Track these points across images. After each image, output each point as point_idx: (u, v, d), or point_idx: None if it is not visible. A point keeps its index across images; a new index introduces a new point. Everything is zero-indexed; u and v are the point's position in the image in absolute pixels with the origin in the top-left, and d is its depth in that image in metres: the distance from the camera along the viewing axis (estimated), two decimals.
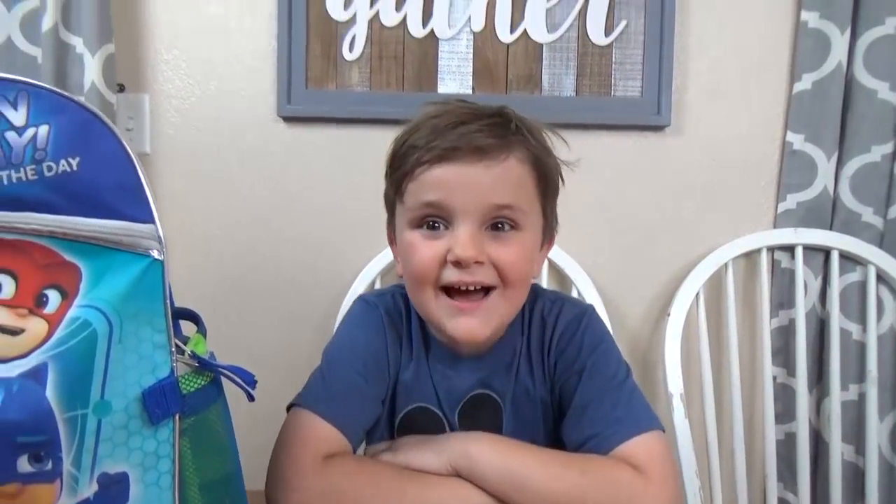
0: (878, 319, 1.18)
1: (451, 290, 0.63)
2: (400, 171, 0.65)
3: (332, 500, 0.58)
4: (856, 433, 1.19)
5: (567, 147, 0.70)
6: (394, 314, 0.72)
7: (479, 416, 0.70)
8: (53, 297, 0.44)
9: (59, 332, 0.43)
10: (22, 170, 0.44)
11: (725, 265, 1.19)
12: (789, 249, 1.20)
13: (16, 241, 0.44)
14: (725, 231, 1.22)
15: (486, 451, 0.60)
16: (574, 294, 1.17)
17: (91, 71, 1.11)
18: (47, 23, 1.11)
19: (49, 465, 0.41)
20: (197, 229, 1.22)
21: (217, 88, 1.22)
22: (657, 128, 1.21)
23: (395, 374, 0.71)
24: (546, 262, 1.19)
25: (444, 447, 0.62)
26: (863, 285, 1.18)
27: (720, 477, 1.14)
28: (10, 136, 0.44)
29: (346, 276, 1.19)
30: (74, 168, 0.45)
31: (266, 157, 1.23)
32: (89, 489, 0.42)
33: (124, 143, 0.46)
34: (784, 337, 1.22)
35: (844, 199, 1.19)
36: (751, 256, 1.23)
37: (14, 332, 0.43)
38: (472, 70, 1.19)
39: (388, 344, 0.70)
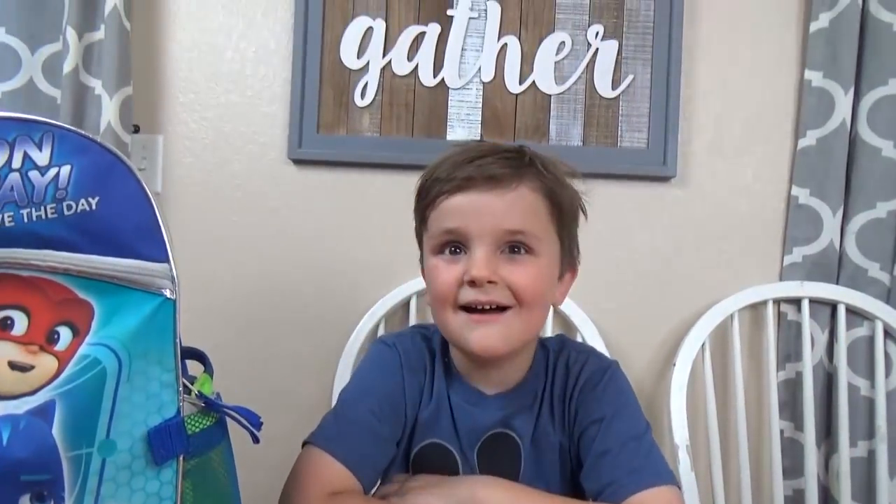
0: (887, 375, 1.17)
1: (469, 309, 0.66)
2: (424, 202, 0.70)
3: None
4: (866, 491, 1.17)
5: (582, 183, 0.73)
6: (412, 354, 0.74)
7: (498, 455, 0.71)
8: (65, 333, 0.45)
9: (69, 370, 0.43)
10: (42, 208, 0.45)
11: (731, 316, 1.19)
12: (796, 302, 1.20)
13: (31, 277, 0.45)
14: (731, 282, 1.22)
15: (495, 497, 0.60)
16: (578, 340, 1.17)
17: (108, 112, 1.14)
18: (69, 65, 1.14)
19: None
20: (205, 268, 1.22)
21: (230, 131, 1.25)
22: (663, 178, 1.22)
23: (414, 414, 0.72)
24: (552, 311, 1.19)
25: (452, 491, 0.62)
26: (870, 340, 1.18)
27: None
28: (33, 175, 0.45)
29: (353, 317, 1.19)
30: (93, 207, 0.46)
31: (276, 198, 1.25)
32: None
33: (143, 184, 0.48)
34: (791, 390, 1.21)
35: (850, 254, 1.19)
36: (757, 308, 1.23)
37: (24, 368, 0.43)
38: (480, 118, 1.22)
39: (406, 384, 0.72)
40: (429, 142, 1.20)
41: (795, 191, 1.21)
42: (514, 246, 0.66)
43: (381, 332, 1.19)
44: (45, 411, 0.42)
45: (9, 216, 0.44)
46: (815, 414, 1.16)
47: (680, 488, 0.64)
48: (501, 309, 0.65)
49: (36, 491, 0.41)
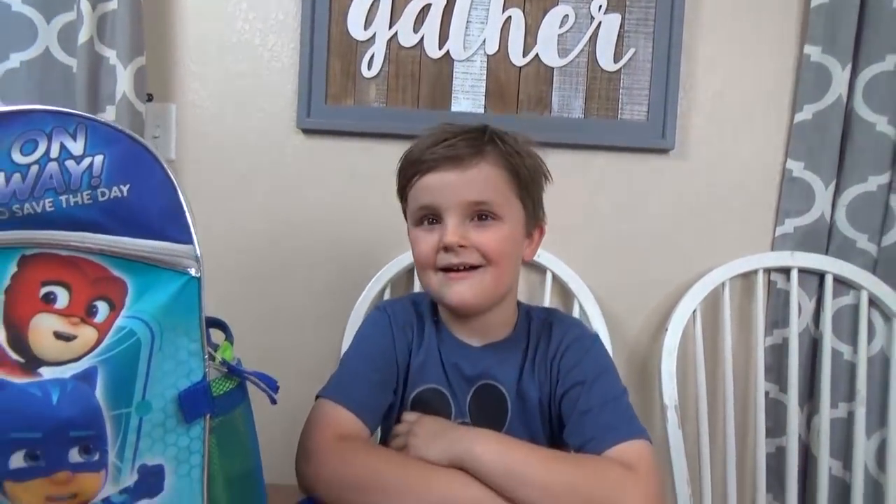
0: (869, 342, 1.22)
1: (446, 270, 0.77)
2: (402, 182, 0.82)
3: (344, 472, 0.68)
4: (844, 449, 1.24)
5: (543, 153, 0.84)
6: (400, 314, 0.85)
7: (487, 405, 0.80)
8: (102, 308, 0.50)
9: (108, 340, 0.49)
10: (79, 194, 0.50)
11: (723, 284, 1.24)
12: (785, 272, 1.25)
13: (70, 256, 0.50)
14: (724, 252, 1.26)
15: (488, 451, 0.67)
16: (576, 308, 1.23)
17: (123, 82, 1.17)
18: (83, 36, 1.16)
19: (96, 457, 0.47)
20: (217, 233, 1.27)
21: (241, 100, 1.28)
22: (661, 151, 1.26)
23: (406, 363, 0.82)
24: (550, 278, 1.24)
25: (451, 446, 0.69)
26: (855, 308, 1.23)
27: (711, 486, 1.19)
28: (70, 164, 0.50)
29: (359, 282, 1.24)
30: (125, 194, 0.51)
31: (285, 166, 1.29)
32: (130, 479, 0.48)
33: (169, 171, 0.52)
34: (777, 355, 1.27)
35: (840, 226, 1.23)
36: (748, 277, 1.28)
37: (68, 338, 0.49)
38: (484, 90, 1.25)
39: (395, 339, 0.83)
40: (433, 113, 1.24)
41: (790, 164, 1.24)
42: (481, 214, 0.76)
43: (387, 295, 1.24)
44: (88, 376, 0.47)
45: (49, 202, 0.49)
46: (798, 377, 1.22)
47: (651, 441, 0.72)
48: (473, 267, 0.76)
49: (83, 445, 0.46)
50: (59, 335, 0.48)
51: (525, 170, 0.79)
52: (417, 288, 1.23)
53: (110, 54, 1.20)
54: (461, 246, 0.75)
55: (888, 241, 1.22)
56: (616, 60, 1.23)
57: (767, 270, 1.26)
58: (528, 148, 0.81)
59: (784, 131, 1.26)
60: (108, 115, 1.19)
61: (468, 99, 1.25)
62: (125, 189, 0.51)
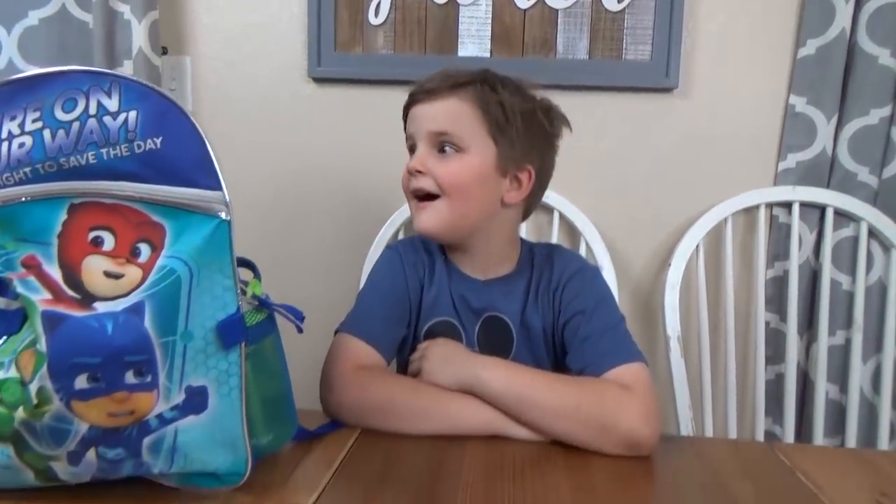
0: (868, 272, 1.26)
1: (417, 200, 0.83)
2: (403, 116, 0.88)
3: (364, 399, 0.74)
4: (840, 374, 1.29)
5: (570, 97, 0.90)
6: (410, 253, 0.90)
7: (494, 335, 0.86)
8: (145, 249, 0.55)
9: (152, 277, 0.54)
10: (117, 147, 0.55)
11: (725, 219, 1.28)
12: (787, 206, 1.28)
13: (113, 204, 0.55)
14: (728, 188, 1.29)
15: (496, 377, 0.73)
16: (583, 245, 1.28)
17: (138, 36, 1.21)
18: None
19: (149, 379, 0.53)
20: (232, 180, 1.32)
21: (252, 51, 1.32)
22: (665, 90, 1.28)
23: (418, 299, 0.88)
24: (557, 217, 1.29)
25: (459, 371, 0.75)
26: (855, 240, 1.26)
27: (712, 412, 1.26)
28: (107, 119, 0.55)
29: (373, 225, 1.30)
30: (158, 146, 0.56)
31: (297, 114, 1.33)
32: (178, 397, 0.55)
33: (196, 124, 0.57)
34: (778, 286, 1.31)
35: (842, 160, 1.26)
36: (750, 212, 1.31)
37: (116, 276, 0.54)
38: (490, 34, 1.27)
39: (407, 276, 0.88)
40: (440, 58, 1.27)
41: (793, 99, 1.26)
42: (443, 145, 0.81)
43: (400, 237, 1.30)
44: (137, 309, 0.53)
45: (92, 155, 0.54)
46: (798, 307, 1.27)
47: (647, 365, 0.77)
48: (432, 196, 0.81)
49: (136, 368, 0.53)
50: (108, 274, 0.54)
51: (503, 108, 0.80)
52: None
53: (124, 9, 1.23)
54: (419, 171, 0.81)
55: (889, 174, 1.25)
56: (620, 1, 1.24)
57: (769, 205, 1.30)
58: (527, 92, 0.83)
59: (787, 67, 1.27)
60: (126, 69, 1.23)
61: (474, 43, 1.27)
62: (158, 141, 0.56)
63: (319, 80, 1.31)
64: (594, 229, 1.28)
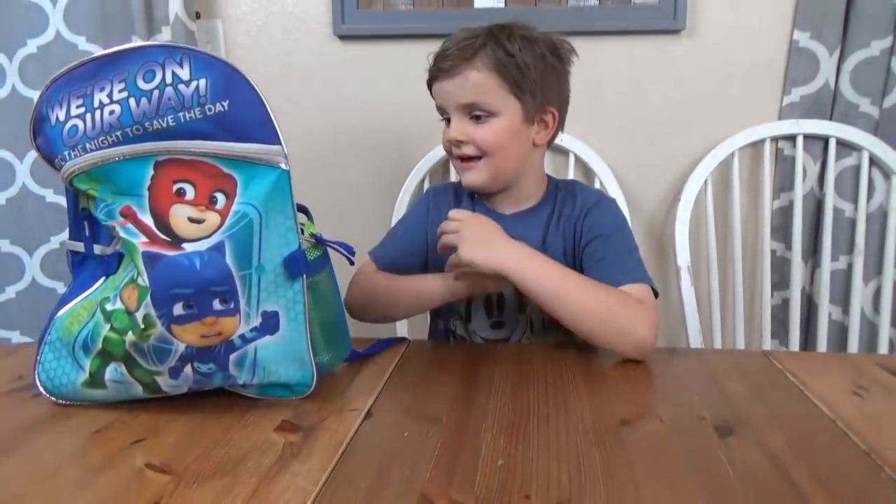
0: (869, 199, 1.33)
1: (460, 160, 0.94)
2: (428, 84, 0.96)
3: (359, 293, 0.96)
4: (843, 297, 1.38)
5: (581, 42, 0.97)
6: (441, 195, 1.05)
7: None
8: (220, 198, 0.65)
9: (229, 221, 0.64)
10: (192, 111, 0.63)
11: (732, 154, 1.35)
12: (791, 139, 1.35)
13: (191, 160, 0.65)
14: (735, 124, 1.36)
15: (532, 271, 0.81)
16: (597, 183, 1.36)
17: (174, 3, 1.29)
18: None
19: (231, 305, 0.64)
20: None
21: (280, 12, 1.39)
22: (673, 32, 1.34)
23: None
24: (573, 159, 1.37)
25: (494, 254, 0.82)
26: (857, 169, 1.33)
27: (721, 336, 1.36)
28: (182, 87, 0.63)
29: (400, 174, 1.40)
30: (226, 108, 0.64)
31: (324, 70, 1.41)
32: (256, 321, 0.65)
33: (257, 88, 0.66)
34: (784, 216, 1.39)
35: (844, 92, 1.31)
36: (756, 146, 1.38)
37: (198, 221, 0.64)
38: None
39: (429, 215, 1.02)
40: (458, 11, 1.33)
41: (797, 35, 1.31)
42: (476, 113, 0.90)
43: (426, 185, 1.39)
44: (218, 248, 0.64)
45: (171, 118, 0.63)
46: (802, 235, 1.35)
47: (654, 289, 0.86)
48: (476, 157, 0.91)
49: (221, 297, 0.63)
50: (191, 219, 0.64)
51: (517, 66, 0.87)
52: (454, 176, 1.37)
53: None
54: (460, 141, 0.90)
55: (889, 103, 1.30)
56: None
57: (775, 139, 1.36)
58: (525, 40, 0.89)
59: (791, 3, 1.31)
60: (165, 35, 1.31)
61: None
62: (226, 104, 0.65)
63: (344, 38, 1.38)
64: (607, 168, 1.36)
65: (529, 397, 0.69)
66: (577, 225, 0.94)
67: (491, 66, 0.88)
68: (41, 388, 0.67)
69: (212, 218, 0.65)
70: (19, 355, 0.83)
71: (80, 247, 0.68)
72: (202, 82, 0.64)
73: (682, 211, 1.34)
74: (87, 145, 0.62)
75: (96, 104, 0.62)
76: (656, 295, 0.87)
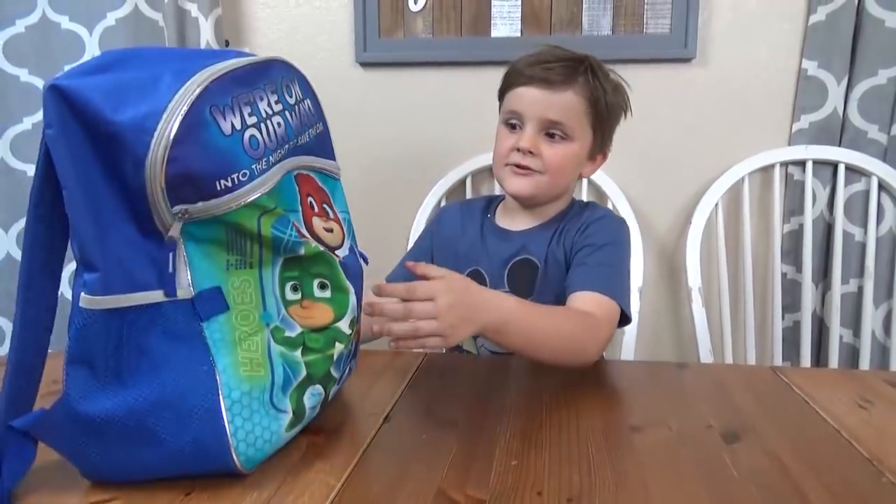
0: (878, 223, 1.36)
1: (515, 166, 0.94)
2: (504, 85, 0.98)
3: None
4: (854, 320, 1.39)
5: (628, 89, 1.00)
6: (448, 212, 1.11)
7: (520, 276, 0.98)
8: (328, 209, 0.67)
9: (345, 228, 0.69)
10: (313, 128, 0.64)
11: (742, 178, 1.38)
12: (801, 164, 1.38)
13: (305, 174, 0.64)
14: (744, 149, 1.40)
15: (509, 332, 0.74)
16: (609, 205, 1.39)
17: (205, 32, 1.36)
18: None
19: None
20: None
21: (304, 40, 1.45)
22: (685, 60, 1.38)
23: (453, 249, 1.04)
24: (585, 182, 1.40)
25: (470, 327, 0.71)
26: (866, 194, 1.36)
27: (732, 356, 1.37)
28: (304, 105, 0.62)
29: (418, 196, 1.44)
30: (321, 129, 0.67)
31: (347, 96, 1.47)
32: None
33: (322, 108, 0.68)
34: (794, 240, 1.42)
35: (852, 119, 1.35)
36: (766, 171, 1.41)
37: (330, 230, 0.66)
38: (520, 15, 1.38)
39: (434, 236, 1.09)
40: (475, 40, 1.38)
41: (805, 64, 1.35)
42: (554, 132, 0.92)
43: (443, 204, 1.43)
44: (352, 250, 0.69)
45: (307, 134, 0.62)
46: (813, 258, 1.37)
47: (624, 311, 0.87)
48: (535, 171, 0.93)
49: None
50: (326, 230, 0.65)
51: (605, 105, 0.94)
52: (469, 195, 1.42)
53: (192, 7, 1.37)
54: (531, 152, 0.92)
55: None
56: None
57: (784, 164, 1.39)
58: (617, 85, 0.96)
59: (800, 33, 1.36)
60: None
61: (506, 24, 1.39)
62: (320, 125, 0.67)
63: (366, 65, 1.44)
64: (620, 192, 1.39)
65: (542, 405, 0.71)
66: (578, 236, 0.96)
67: (586, 95, 0.92)
68: (239, 466, 0.53)
69: (335, 227, 0.67)
70: None
71: (161, 296, 0.51)
72: (307, 102, 0.64)
73: (694, 234, 1.37)
74: (271, 158, 0.55)
75: (264, 114, 0.55)
76: (628, 320, 0.88)
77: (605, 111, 0.94)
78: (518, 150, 0.93)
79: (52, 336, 0.54)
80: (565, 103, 0.91)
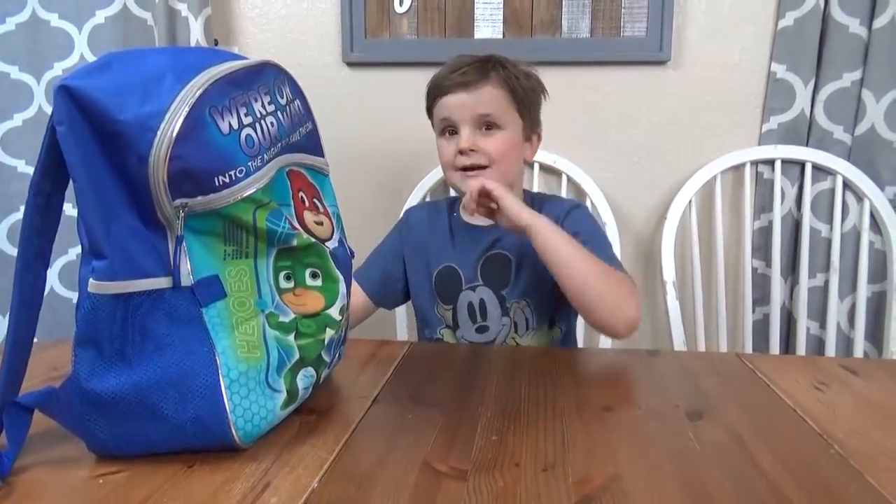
0: (843, 220, 1.42)
1: (464, 170, 1.01)
2: (429, 101, 1.06)
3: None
4: (820, 312, 1.46)
5: (555, 70, 1.10)
6: (416, 212, 1.17)
7: (494, 269, 1.05)
8: (318, 204, 0.70)
9: (334, 221, 0.72)
10: (302, 127, 0.67)
11: (715, 177, 1.44)
12: (770, 163, 1.44)
13: (297, 171, 0.68)
14: (716, 149, 1.46)
15: (555, 236, 0.91)
16: (588, 203, 1.44)
17: (195, 31, 1.38)
18: None
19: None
20: None
21: (292, 40, 1.49)
22: (660, 62, 1.44)
23: (423, 249, 1.10)
24: (565, 180, 1.45)
25: (528, 214, 0.92)
26: (832, 192, 1.42)
27: (704, 347, 1.43)
28: (294, 105, 0.66)
29: (403, 192, 1.48)
30: (311, 128, 0.70)
31: (334, 95, 1.50)
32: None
33: (311, 110, 0.72)
34: (764, 236, 1.48)
35: (819, 120, 1.41)
36: (737, 169, 1.47)
37: (321, 223, 0.69)
38: (502, 17, 1.43)
39: (402, 236, 1.13)
40: (459, 41, 1.43)
41: (774, 67, 1.41)
42: (487, 124, 1.00)
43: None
44: (341, 242, 0.72)
45: (297, 133, 0.66)
46: (782, 253, 1.43)
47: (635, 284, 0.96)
48: (482, 167, 1.00)
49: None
50: (316, 223, 0.69)
51: (521, 89, 1.02)
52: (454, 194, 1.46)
53: (182, 7, 1.40)
54: (472, 150, 0.99)
55: (860, 131, 1.39)
56: None
57: (755, 163, 1.45)
58: (526, 71, 1.04)
59: (769, 38, 1.42)
60: None
61: (488, 26, 1.43)
62: (310, 124, 0.70)
63: (352, 65, 1.48)
64: (598, 189, 1.44)
65: (521, 388, 0.76)
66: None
67: (503, 84, 1.01)
68: (238, 440, 0.57)
69: (325, 220, 0.71)
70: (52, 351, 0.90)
71: (164, 283, 0.54)
72: (297, 103, 0.67)
73: (668, 229, 1.42)
74: (265, 155, 0.59)
75: (258, 114, 0.59)
76: None
77: (524, 95, 1.02)
78: (461, 152, 1.00)
79: (38, 326, 0.58)
80: (487, 97, 0.99)
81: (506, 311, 1.04)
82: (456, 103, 1.00)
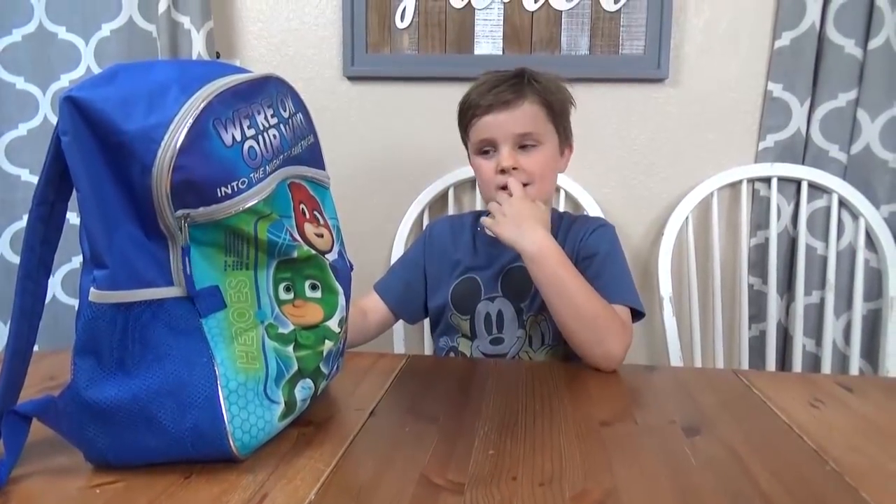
0: (839, 238, 1.43)
1: (504, 188, 0.99)
2: (464, 121, 1.06)
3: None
4: (816, 329, 1.46)
5: (572, 88, 1.07)
6: (439, 226, 1.15)
7: (515, 281, 1.04)
8: (319, 216, 0.71)
9: (334, 233, 0.72)
10: (304, 140, 0.68)
11: (712, 193, 1.45)
12: (766, 181, 1.45)
13: (298, 183, 0.68)
14: (713, 166, 1.47)
15: (546, 260, 0.90)
16: None
17: (197, 44, 1.39)
18: (162, 6, 1.38)
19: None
20: None
21: (293, 53, 1.50)
22: (657, 80, 1.45)
23: (446, 263, 1.09)
24: (563, 195, 1.46)
25: (519, 236, 0.91)
26: (827, 210, 1.43)
27: (701, 363, 1.44)
28: (296, 118, 0.66)
29: (403, 205, 1.49)
30: (312, 140, 0.70)
31: (335, 109, 1.51)
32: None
33: (313, 123, 0.72)
34: (760, 252, 1.48)
35: (815, 138, 1.42)
36: (734, 186, 1.48)
37: (321, 235, 0.69)
38: (502, 34, 1.44)
39: (426, 249, 1.12)
40: (459, 57, 1.44)
41: (770, 86, 1.42)
42: (526, 143, 1.00)
43: (426, 216, 1.48)
44: (341, 255, 0.72)
45: (300, 146, 0.66)
46: (778, 270, 1.44)
47: (638, 310, 0.96)
48: (523, 185, 0.99)
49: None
50: (316, 235, 0.69)
51: (557, 102, 1.03)
52: (451, 209, 1.47)
53: (184, 20, 1.41)
54: (514, 168, 0.99)
55: (856, 150, 1.41)
56: (616, 1, 1.41)
57: (751, 180, 1.46)
58: (557, 83, 1.05)
59: (765, 57, 1.43)
60: None
61: (488, 42, 1.45)
62: (311, 137, 0.70)
63: (353, 79, 1.49)
64: (596, 204, 1.45)
65: (518, 402, 0.76)
66: (578, 248, 1.03)
67: (538, 100, 1.01)
68: (236, 451, 0.57)
69: (325, 233, 0.71)
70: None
71: (164, 293, 0.54)
72: (300, 116, 0.68)
73: (665, 245, 1.43)
74: (267, 167, 0.59)
75: (261, 127, 0.59)
76: (643, 315, 0.97)
77: (558, 107, 1.03)
78: (502, 171, 0.99)
79: (40, 335, 0.58)
80: (526, 114, 0.99)
81: (522, 323, 1.04)
82: (495, 123, 1.00)
